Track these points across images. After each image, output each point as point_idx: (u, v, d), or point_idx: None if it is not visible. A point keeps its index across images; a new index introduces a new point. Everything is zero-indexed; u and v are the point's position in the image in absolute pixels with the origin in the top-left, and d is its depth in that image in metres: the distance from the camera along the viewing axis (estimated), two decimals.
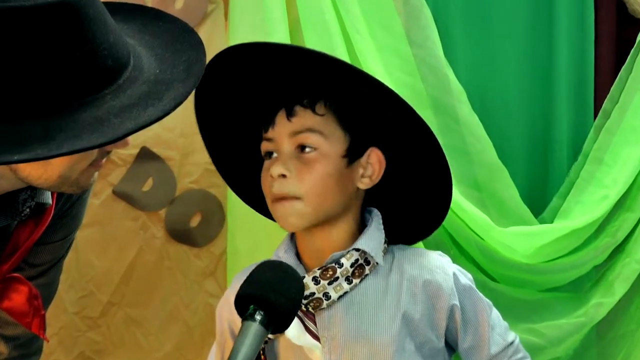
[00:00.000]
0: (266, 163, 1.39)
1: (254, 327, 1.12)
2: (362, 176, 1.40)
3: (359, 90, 1.36)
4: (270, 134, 1.38)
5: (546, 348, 2.10)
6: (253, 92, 1.42)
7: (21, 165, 1.21)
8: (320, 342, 1.37)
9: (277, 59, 1.38)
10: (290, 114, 1.36)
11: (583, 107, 2.21)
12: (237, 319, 1.40)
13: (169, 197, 2.06)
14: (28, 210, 1.37)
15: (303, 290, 1.22)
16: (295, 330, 1.36)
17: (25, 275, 1.49)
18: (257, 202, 1.52)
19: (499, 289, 2.09)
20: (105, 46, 1.16)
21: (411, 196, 1.46)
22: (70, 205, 1.51)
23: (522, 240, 2.05)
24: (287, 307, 1.16)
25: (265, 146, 1.39)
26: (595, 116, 2.17)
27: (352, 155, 1.38)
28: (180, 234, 2.07)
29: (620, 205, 2.11)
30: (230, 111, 1.46)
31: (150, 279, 2.06)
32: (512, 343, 1.45)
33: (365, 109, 1.39)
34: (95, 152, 1.24)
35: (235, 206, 1.95)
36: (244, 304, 1.15)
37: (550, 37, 2.17)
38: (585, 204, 2.09)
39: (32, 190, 1.36)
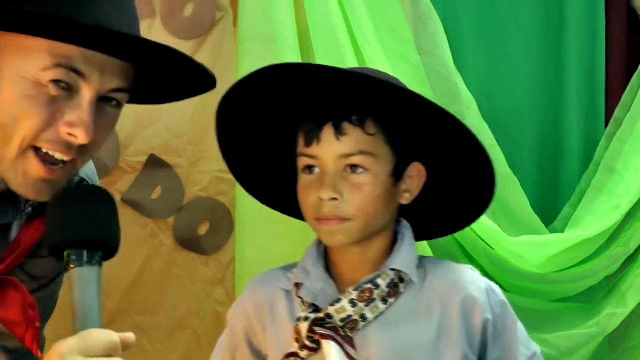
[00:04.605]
0: (307, 178, 1.35)
1: (81, 272, 1.05)
2: (404, 191, 1.38)
3: (407, 109, 1.33)
4: (315, 150, 1.33)
5: (557, 359, 2.09)
6: (291, 103, 1.38)
7: None
8: None
9: (321, 78, 1.34)
10: (339, 132, 1.31)
11: (594, 115, 2.22)
12: (255, 327, 1.41)
13: (178, 205, 2.07)
14: (30, 209, 1.33)
15: (109, 203, 1.14)
16: (336, 357, 1.33)
17: (28, 289, 1.43)
18: (265, 195, 1.51)
19: (509, 298, 1.98)
20: None
21: (444, 200, 1.44)
22: None
23: (532, 249, 2.06)
24: (93, 231, 1.08)
25: (306, 161, 1.34)
26: (607, 124, 2.19)
27: (398, 173, 1.36)
28: (189, 242, 2.08)
29: (632, 214, 2.11)
30: (259, 117, 1.42)
31: (158, 287, 2.06)
32: (535, 354, 1.44)
33: (412, 126, 1.36)
34: (43, 111, 1.16)
35: (244, 214, 1.97)
36: (58, 253, 1.07)
37: (560, 45, 2.19)
38: (597, 213, 2.09)
39: None
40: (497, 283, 2.04)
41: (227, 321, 1.49)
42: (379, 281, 1.35)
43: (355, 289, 1.34)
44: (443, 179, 1.40)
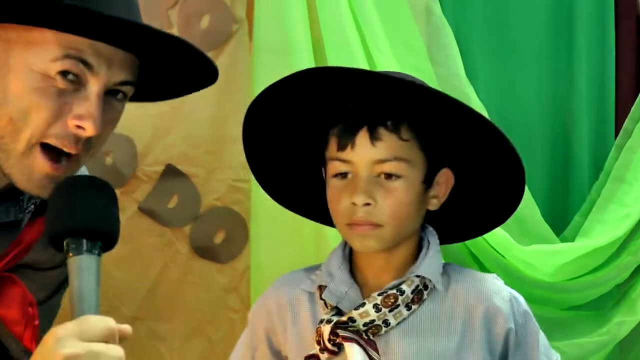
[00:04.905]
0: (338, 183, 1.35)
1: (79, 260, 1.06)
2: (433, 197, 1.38)
3: (443, 113, 1.33)
4: (348, 155, 1.32)
5: None
6: (322, 107, 1.37)
7: None
8: None
9: (358, 81, 1.34)
10: (374, 138, 1.31)
11: (604, 125, 2.22)
12: (276, 327, 1.43)
13: (194, 214, 2.08)
14: (33, 206, 1.34)
15: (107, 193, 1.14)
16: None
17: (38, 299, 1.42)
18: (282, 195, 1.51)
19: None
20: None
21: (467, 206, 1.44)
22: None
23: (543, 258, 2.06)
24: (93, 220, 1.08)
25: (338, 166, 1.34)
26: (616, 134, 2.19)
27: (429, 179, 1.36)
28: (205, 250, 2.09)
29: None
30: (287, 120, 1.42)
31: (175, 295, 2.07)
32: None
33: (446, 131, 1.36)
34: (52, 104, 1.17)
35: (259, 223, 1.98)
36: (58, 244, 1.08)
37: (570, 56, 2.19)
38: (607, 223, 2.09)
39: None
40: None
41: (248, 320, 1.49)
42: (404, 287, 1.35)
43: (380, 294, 1.34)
44: (469, 185, 1.41)
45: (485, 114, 2.03)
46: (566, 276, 2.09)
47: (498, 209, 1.44)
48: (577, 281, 2.11)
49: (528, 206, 2.08)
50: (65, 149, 1.20)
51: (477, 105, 2.04)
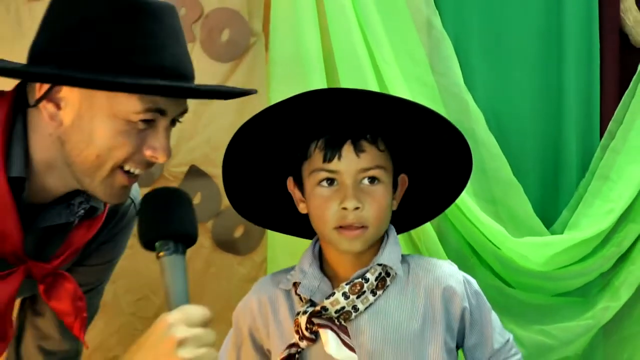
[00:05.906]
0: (325, 191, 1.43)
1: (171, 259, 1.22)
2: (393, 199, 1.50)
3: (413, 122, 1.44)
4: (336, 165, 1.41)
5: (557, 348, 2.20)
6: (303, 125, 1.44)
7: (69, 134, 1.34)
8: (355, 353, 1.41)
9: (338, 100, 1.42)
10: (358, 149, 1.41)
11: (590, 128, 2.28)
12: (258, 323, 1.53)
13: (215, 211, 2.16)
14: (82, 211, 1.47)
15: (188, 203, 1.30)
16: (334, 345, 1.41)
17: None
18: (275, 223, 1.63)
19: (514, 294, 2.20)
20: (168, 51, 1.33)
21: (418, 194, 1.55)
22: (118, 231, 1.64)
23: (535, 249, 2.15)
24: (184, 227, 1.26)
25: (325, 175, 1.43)
26: (601, 136, 2.26)
27: (395, 184, 1.48)
28: (225, 244, 2.18)
29: (624, 217, 2.20)
30: (263, 147, 1.49)
31: (199, 284, 2.16)
32: (508, 340, 1.55)
33: (413, 140, 1.47)
34: (133, 142, 1.34)
35: None
36: (150, 246, 1.24)
37: (559, 65, 2.26)
38: (593, 217, 2.17)
39: (87, 195, 1.45)
40: (503, 280, 2.16)
41: (232, 321, 1.59)
42: (368, 275, 1.44)
43: (347, 284, 1.44)
44: (419, 182, 1.53)
45: (482, 119, 2.14)
46: (556, 266, 2.17)
47: (444, 194, 1.56)
48: (566, 270, 2.19)
49: (521, 202, 2.18)
50: (137, 172, 1.39)
51: (474, 110, 2.14)
